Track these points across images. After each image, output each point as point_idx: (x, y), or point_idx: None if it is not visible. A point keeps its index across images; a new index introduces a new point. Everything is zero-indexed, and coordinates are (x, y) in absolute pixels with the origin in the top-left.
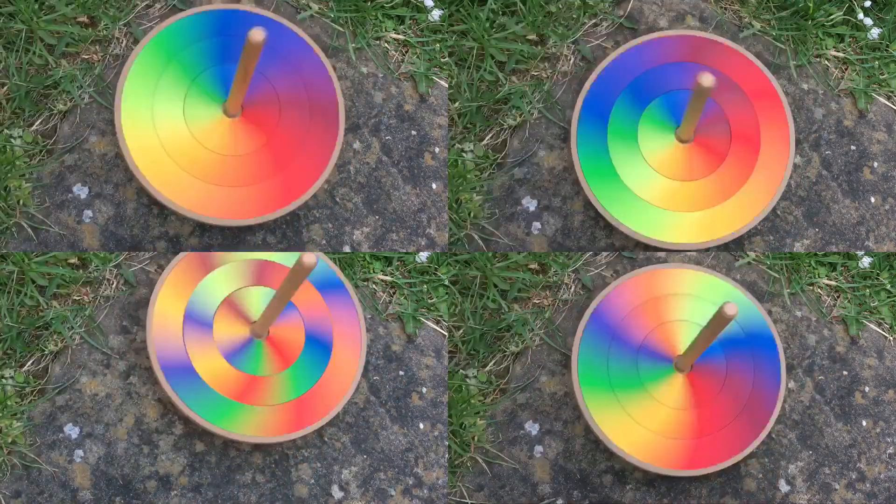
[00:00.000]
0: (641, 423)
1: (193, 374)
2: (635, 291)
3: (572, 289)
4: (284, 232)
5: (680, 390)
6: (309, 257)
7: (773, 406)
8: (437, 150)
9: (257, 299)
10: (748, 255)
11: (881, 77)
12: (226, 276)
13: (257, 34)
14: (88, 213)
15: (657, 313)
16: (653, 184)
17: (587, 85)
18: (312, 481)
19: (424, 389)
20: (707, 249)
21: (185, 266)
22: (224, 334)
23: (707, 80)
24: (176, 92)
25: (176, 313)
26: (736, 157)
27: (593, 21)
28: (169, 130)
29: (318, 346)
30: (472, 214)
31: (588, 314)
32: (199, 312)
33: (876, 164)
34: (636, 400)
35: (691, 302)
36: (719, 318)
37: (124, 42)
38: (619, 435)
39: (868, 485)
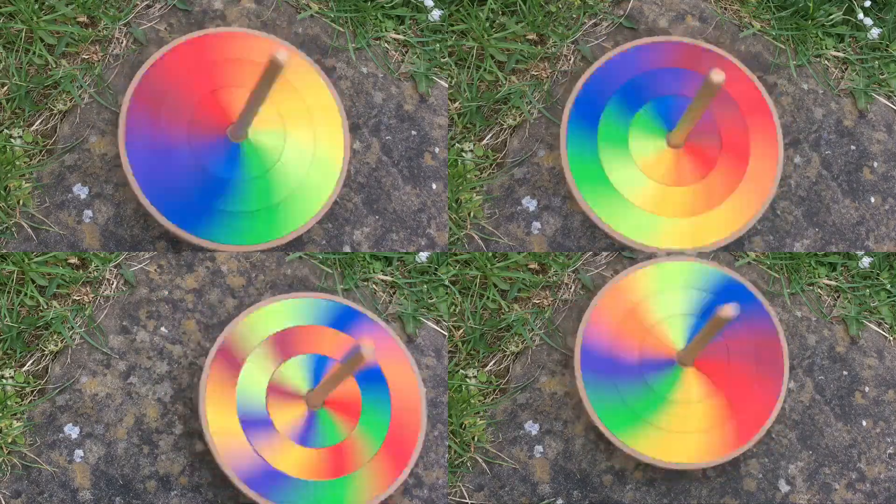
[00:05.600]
0: (647, 420)
1: (278, 474)
2: (622, 296)
3: (572, 289)
4: None
5: (685, 384)
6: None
7: (772, 404)
8: (437, 150)
9: (296, 373)
10: (748, 255)
11: (881, 77)
12: (256, 364)
13: (282, 55)
14: (88, 213)
15: (647, 314)
16: (642, 187)
17: (578, 85)
18: None
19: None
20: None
21: (215, 376)
22: (284, 421)
23: (718, 76)
24: None
25: (232, 425)
26: (726, 165)
27: (593, 21)
28: None
29: (372, 383)
30: (472, 214)
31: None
32: (252, 411)
33: (876, 164)
34: (642, 398)
35: (683, 293)
36: (717, 320)
37: (124, 42)
38: (631, 437)
39: (868, 485)
